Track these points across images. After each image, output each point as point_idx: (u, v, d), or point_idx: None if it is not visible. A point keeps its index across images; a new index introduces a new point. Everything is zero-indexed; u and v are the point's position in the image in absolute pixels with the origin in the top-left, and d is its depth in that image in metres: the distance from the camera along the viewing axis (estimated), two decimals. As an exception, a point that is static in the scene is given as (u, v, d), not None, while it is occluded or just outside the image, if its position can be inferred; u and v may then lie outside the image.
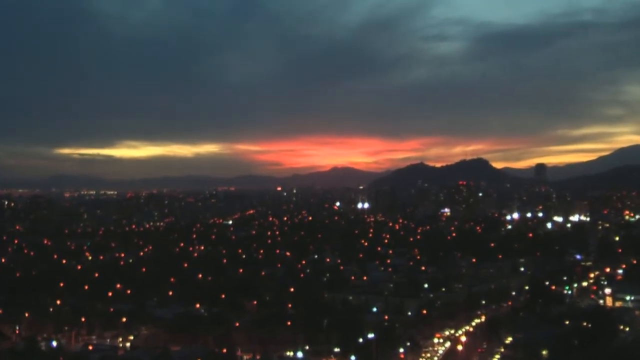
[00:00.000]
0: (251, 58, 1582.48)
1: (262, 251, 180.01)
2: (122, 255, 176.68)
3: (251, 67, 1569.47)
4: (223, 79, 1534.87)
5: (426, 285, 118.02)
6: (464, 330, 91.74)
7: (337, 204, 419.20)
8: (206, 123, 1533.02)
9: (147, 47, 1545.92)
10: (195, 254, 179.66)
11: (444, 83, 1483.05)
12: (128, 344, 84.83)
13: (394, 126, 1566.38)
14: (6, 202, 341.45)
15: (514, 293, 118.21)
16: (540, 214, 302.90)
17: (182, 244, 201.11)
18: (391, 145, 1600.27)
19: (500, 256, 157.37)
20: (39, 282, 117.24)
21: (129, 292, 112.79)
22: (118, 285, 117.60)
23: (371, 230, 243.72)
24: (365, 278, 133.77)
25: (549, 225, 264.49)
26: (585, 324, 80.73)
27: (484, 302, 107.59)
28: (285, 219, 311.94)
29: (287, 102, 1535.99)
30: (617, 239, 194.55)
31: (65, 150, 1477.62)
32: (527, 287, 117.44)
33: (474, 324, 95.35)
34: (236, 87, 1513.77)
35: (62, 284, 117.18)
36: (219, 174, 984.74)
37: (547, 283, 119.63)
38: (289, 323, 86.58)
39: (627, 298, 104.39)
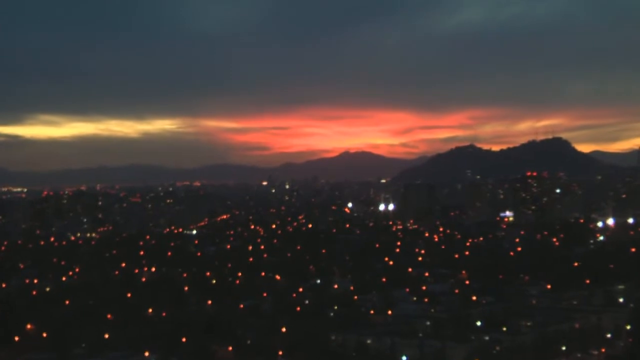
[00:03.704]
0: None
1: (240, 274, 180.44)
2: (35, 281, 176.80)
3: (225, 10, 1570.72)
4: (184, 26, 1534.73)
5: (479, 323, 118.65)
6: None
7: (350, 205, 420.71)
8: (159, 89, 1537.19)
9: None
10: (144, 279, 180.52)
11: (503, 30, 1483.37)
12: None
13: (431, 93, 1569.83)
14: None
15: (609, 335, 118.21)
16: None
17: (124, 265, 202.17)
18: (427, 120, 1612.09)
19: (588, 281, 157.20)
20: None
21: (45, 335, 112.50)
22: (29, 326, 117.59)
23: (399, 244, 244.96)
24: (390, 312, 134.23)
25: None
26: None
27: (564, 347, 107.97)
28: (273, 227, 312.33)
29: (278, 59, 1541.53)
30: None
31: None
32: (628, 327, 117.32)
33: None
34: (203, 38, 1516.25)
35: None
36: (177, 163, 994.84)
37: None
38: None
39: None
